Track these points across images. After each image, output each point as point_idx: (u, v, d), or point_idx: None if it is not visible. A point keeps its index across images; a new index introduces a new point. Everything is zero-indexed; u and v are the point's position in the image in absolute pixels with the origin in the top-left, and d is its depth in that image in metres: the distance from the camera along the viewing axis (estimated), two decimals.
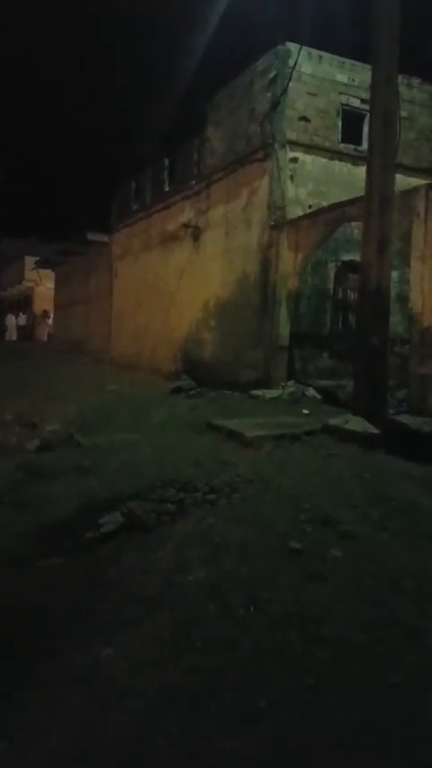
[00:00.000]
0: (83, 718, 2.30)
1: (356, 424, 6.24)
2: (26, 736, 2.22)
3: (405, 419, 6.86)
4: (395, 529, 3.97)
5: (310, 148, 11.07)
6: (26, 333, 32.40)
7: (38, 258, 29.55)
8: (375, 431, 6.13)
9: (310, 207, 10.84)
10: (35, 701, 2.40)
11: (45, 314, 31.92)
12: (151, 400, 10.02)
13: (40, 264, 29.02)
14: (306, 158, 11.06)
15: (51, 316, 30.41)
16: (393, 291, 7.56)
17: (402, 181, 8.65)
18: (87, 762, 2.11)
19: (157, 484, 4.70)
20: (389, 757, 2.09)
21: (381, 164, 6.84)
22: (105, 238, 19.96)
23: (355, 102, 11.27)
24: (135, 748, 2.15)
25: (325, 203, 10.41)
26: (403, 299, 8.86)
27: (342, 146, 11.34)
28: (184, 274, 14.39)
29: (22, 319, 33.28)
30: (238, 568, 3.36)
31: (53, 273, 28.32)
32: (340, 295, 11.61)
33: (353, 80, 11.26)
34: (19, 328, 32.22)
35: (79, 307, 23.46)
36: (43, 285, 32.02)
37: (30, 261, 32.20)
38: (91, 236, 20.13)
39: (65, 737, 2.20)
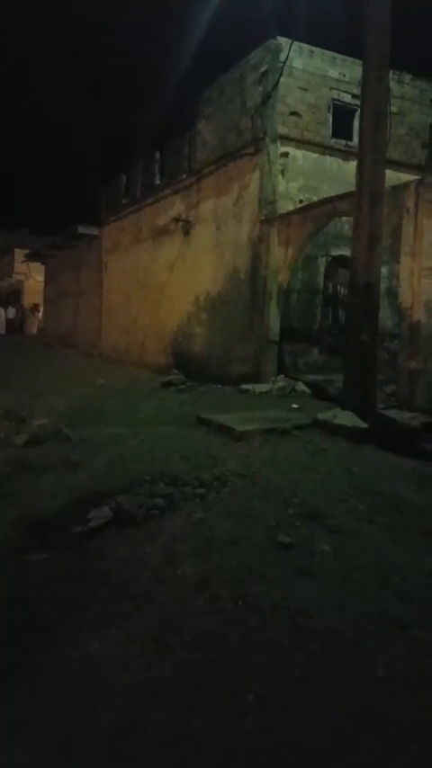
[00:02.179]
0: (70, 712, 2.30)
1: (346, 418, 6.27)
2: (12, 731, 2.21)
3: (394, 414, 6.91)
4: (383, 523, 3.99)
5: (301, 143, 11.06)
6: (15, 326, 32.19)
7: (28, 251, 29.31)
8: (364, 425, 6.17)
9: (300, 202, 10.84)
10: (22, 696, 2.39)
11: (35, 307, 31.72)
12: (141, 394, 10.00)
13: (30, 257, 28.79)
14: (297, 153, 11.05)
15: (41, 309, 30.22)
16: (383, 287, 7.60)
17: (393, 176, 8.66)
18: (74, 756, 2.10)
19: (146, 478, 4.70)
20: (377, 751, 2.10)
21: (371, 159, 6.84)
22: (96, 232, 19.84)
23: (346, 98, 11.27)
24: (122, 742, 2.15)
25: (315, 198, 10.41)
26: (393, 294, 8.90)
27: (333, 141, 11.34)
28: (175, 268, 14.34)
29: (12, 313, 33.06)
30: (226, 562, 3.37)
31: (43, 266, 28.13)
32: (330, 290, 11.64)
33: (344, 75, 11.25)
34: (8, 322, 32.01)
35: (69, 300, 23.33)
36: (33, 278, 31.81)
37: (19, 254, 31.94)
38: (81, 230, 20.01)
39: (52, 732, 2.20)
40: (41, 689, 2.44)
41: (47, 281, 27.81)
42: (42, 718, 2.27)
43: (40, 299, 30.16)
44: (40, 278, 29.38)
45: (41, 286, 29.07)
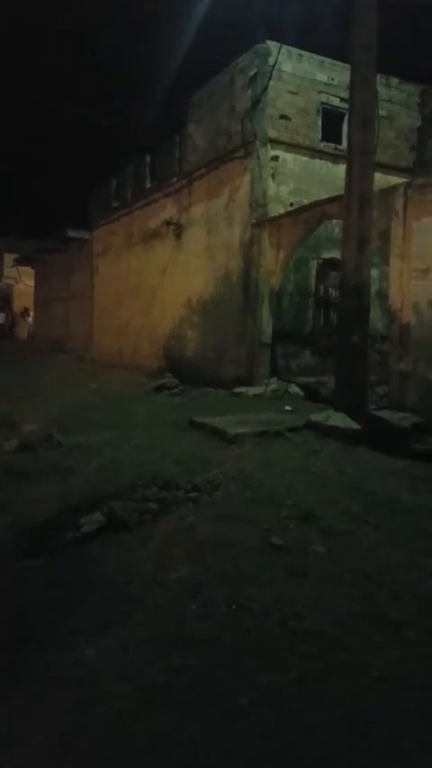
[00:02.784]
0: (65, 718, 2.29)
1: (338, 419, 6.29)
2: (8, 738, 2.20)
3: (385, 414, 6.94)
4: (377, 523, 4.01)
5: (290, 147, 11.10)
6: (5, 331, 32.04)
7: (17, 255, 29.21)
8: (357, 426, 6.19)
9: (291, 205, 10.88)
10: (17, 703, 2.38)
11: (25, 311, 31.59)
12: (133, 398, 9.99)
13: (20, 261, 28.70)
14: (287, 156, 11.10)
15: (32, 313, 30.10)
16: (373, 289, 7.65)
17: (381, 179, 8.73)
18: (70, 762, 2.09)
19: (138, 483, 4.69)
20: (373, 752, 2.11)
21: (360, 162, 6.89)
22: (86, 235, 19.82)
23: (335, 101, 11.33)
24: (117, 748, 2.14)
25: (306, 201, 10.46)
26: (383, 296, 8.95)
27: (322, 144, 11.40)
28: (167, 272, 14.35)
29: (1, 317, 32.90)
30: (220, 566, 3.36)
31: (33, 270, 28.03)
32: (322, 292, 11.69)
33: (332, 79, 11.31)
34: None
35: (60, 304, 23.27)
36: (23, 282, 31.68)
37: (9, 258, 31.80)
38: (72, 233, 19.98)
39: (47, 738, 2.19)
40: (35, 696, 2.43)
41: (37, 285, 27.72)
42: (37, 724, 2.25)
43: (30, 304, 30.05)
44: (31, 282, 29.28)
45: (32, 290, 28.97)
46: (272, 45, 10.68)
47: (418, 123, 12.30)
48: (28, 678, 2.53)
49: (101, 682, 2.48)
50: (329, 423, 6.29)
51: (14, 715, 2.31)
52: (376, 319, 8.99)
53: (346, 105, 8.75)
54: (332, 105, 11.38)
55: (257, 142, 10.78)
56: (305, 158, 11.27)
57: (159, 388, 11.07)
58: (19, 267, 30.46)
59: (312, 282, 11.54)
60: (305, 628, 2.78)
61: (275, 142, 10.94)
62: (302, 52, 11.18)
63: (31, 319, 30.58)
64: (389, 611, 2.92)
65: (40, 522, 4.20)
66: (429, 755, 2.10)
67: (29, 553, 3.74)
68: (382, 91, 10.81)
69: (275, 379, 10.16)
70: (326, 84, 11.33)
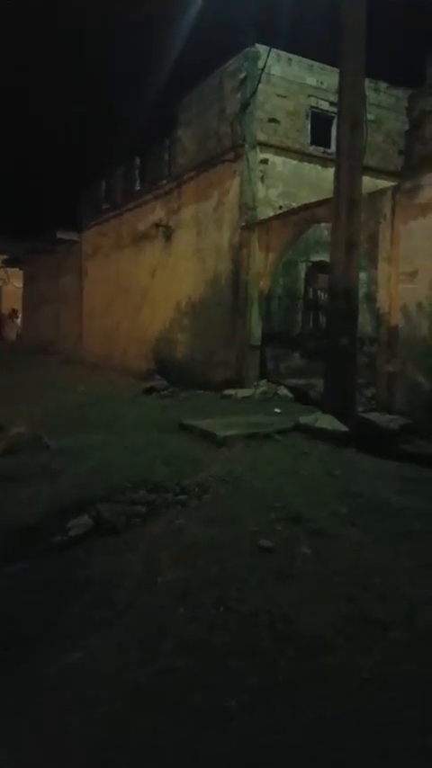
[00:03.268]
0: (52, 724, 2.27)
1: (327, 422, 6.31)
2: None
3: (373, 417, 6.98)
4: (365, 525, 4.02)
5: (280, 150, 11.16)
6: None
7: (6, 256, 29.03)
8: (345, 428, 6.22)
9: (280, 208, 10.92)
10: (2, 709, 2.36)
11: (14, 313, 31.38)
12: (123, 401, 9.96)
13: (9, 263, 28.53)
14: (276, 160, 11.14)
15: (20, 315, 29.94)
16: (361, 292, 7.68)
17: (370, 183, 8.77)
18: (57, 767, 2.08)
19: (127, 486, 4.67)
20: (362, 752, 2.11)
21: (348, 166, 6.93)
22: (75, 237, 19.75)
23: (324, 105, 11.40)
24: (106, 753, 2.13)
25: (295, 204, 10.50)
26: (371, 299, 9.00)
27: (311, 148, 11.46)
28: (156, 274, 14.34)
29: None
30: (208, 568, 3.36)
31: (22, 272, 27.89)
32: (311, 295, 11.74)
33: (321, 83, 11.38)
34: None
35: (49, 306, 23.16)
36: (11, 284, 31.46)
37: None
38: (61, 235, 19.92)
39: (34, 745, 2.17)
40: (21, 701, 2.41)
41: (26, 287, 27.58)
42: (23, 730, 2.24)
43: (18, 305, 29.88)
44: (19, 284, 29.13)
45: (20, 292, 28.82)
46: (261, 48, 10.73)
47: (406, 127, 12.36)
48: (14, 682, 2.51)
49: (88, 686, 2.47)
50: (318, 425, 6.31)
51: (0, 721, 2.29)
52: (365, 322, 9.04)
53: (334, 109, 8.80)
54: (321, 109, 11.46)
55: (247, 145, 10.82)
56: (294, 162, 11.32)
57: (149, 391, 11.05)
58: (7, 269, 30.27)
59: (301, 285, 11.59)
60: (293, 630, 2.78)
61: (265, 145, 10.98)
62: (292, 56, 11.24)
63: (19, 321, 30.40)
64: (376, 613, 2.92)
65: (28, 526, 4.17)
66: (416, 756, 2.10)
67: (15, 557, 3.71)
68: (371, 95, 10.88)
69: (264, 381, 10.19)
70: (315, 87, 11.40)
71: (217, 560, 3.45)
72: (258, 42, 10.80)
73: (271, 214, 10.78)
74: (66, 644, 2.75)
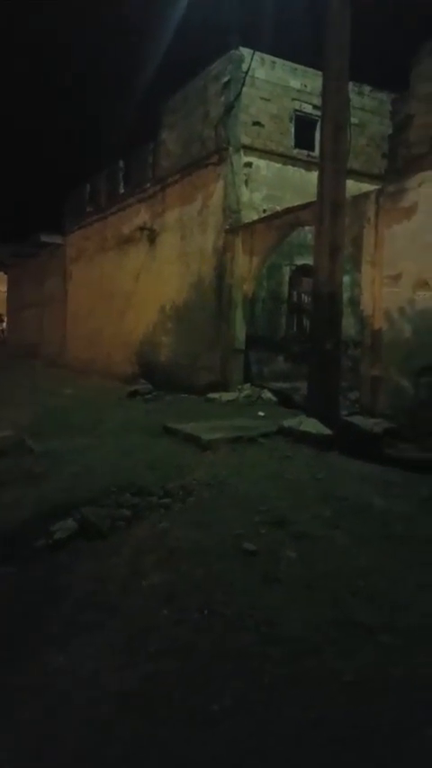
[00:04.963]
0: (38, 728, 2.25)
1: (311, 425, 6.33)
2: None
3: (357, 420, 7.01)
4: (348, 528, 4.04)
5: (264, 153, 11.19)
6: None
7: None
8: (329, 432, 6.23)
9: (264, 211, 10.96)
10: None
11: None
12: (107, 404, 9.91)
13: None
14: (260, 163, 11.18)
15: (5, 319, 29.72)
16: (345, 295, 7.72)
17: (353, 186, 8.84)
18: None
19: (112, 489, 4.65)
20: (344, 755, 2.11)
21: (332, 169, 6.96)
22: (60, 240, 19.65)
23: (308, 108, 11.47)
24: (90, 758, 2.11)
25: (279, 208, 10.54)
26: (355, 302, 9.06)
27: (295, 151, 11.51)
28: (140, 277, 14.30)
29: None
30: (192, 572, 3.35)
31: (6, 276, 27.69)
32: (295, 298, 11.78)
33: (305, 86, 11.45)
34: None
35: (33, 310, 23.01)
36: None
37: None
38: (44, 238, 19.80)
39: (19, 749, 2.15)
40: (8, 706, 2.38)
41: (10, 291, 27.38)
42: (10, 735, 2.21)
43: (3, 309, 29.67)
44: (3, 287, 28.93)
45: (4, 296, 28.61)
46: (245, 52, 10.76)
47: (390, 131, 12.52)
48: None
49: (73, 690, 2.45)
50: (302, 428, 6.32)
51: None
52: (348, 326, 9.10)
53: (318, 112, 8.85)
54: (305, 112, 11.52)
55: (231, 148, 10.84)
56: (278, 165, 11.37)
57: (133, 394, 11.01)
58: None
59: (285, 289, 11.63)
60: (278, 633, 2.78)
61: (249, 149, 11.01)
62: (275, 59, 11.29)
63: (4, 325, 30.18)
64: (360, 616, 2.93)
65: (12, 529, 4.13)
66: (399, 758, 2.11)
67: (0, 560, 3.67)
68: (355, 99, 10.98)
69: (249, 384, 10.19)
70: (299, 91, 11.46)
71: (201, 564, 3.44)
72: (242, 45, 10.84)
73: (255, 217, 10.81)
74: (51, 647, 2.73)
